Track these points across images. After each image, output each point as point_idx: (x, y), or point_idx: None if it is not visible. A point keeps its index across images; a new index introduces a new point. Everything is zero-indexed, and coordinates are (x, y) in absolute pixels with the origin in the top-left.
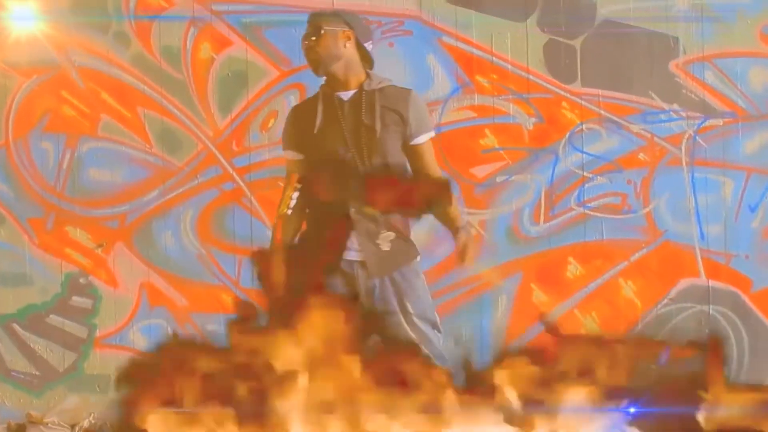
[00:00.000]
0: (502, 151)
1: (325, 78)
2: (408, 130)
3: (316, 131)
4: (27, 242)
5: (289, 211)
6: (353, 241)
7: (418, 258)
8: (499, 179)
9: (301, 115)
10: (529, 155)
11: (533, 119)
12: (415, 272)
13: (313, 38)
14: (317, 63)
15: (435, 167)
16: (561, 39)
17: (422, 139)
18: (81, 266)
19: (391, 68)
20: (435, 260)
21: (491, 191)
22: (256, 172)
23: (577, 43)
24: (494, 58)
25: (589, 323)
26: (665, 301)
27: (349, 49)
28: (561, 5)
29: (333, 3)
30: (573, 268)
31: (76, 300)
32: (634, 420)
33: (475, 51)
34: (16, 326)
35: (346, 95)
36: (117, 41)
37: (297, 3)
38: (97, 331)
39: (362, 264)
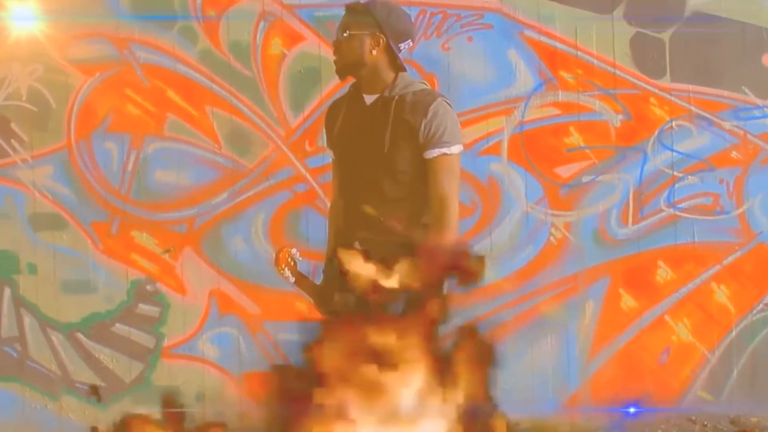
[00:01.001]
0: (587, 150)
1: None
2: (421, 144)
3: (335, 133)
4: (91, 248)
5: (292, 280)
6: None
7: None
8: (585, 179)
9: (332, 111)
10: (616, 154)
11: (620, 116)
12: None
13: (340, 38)
14: (339, 67)
15: (442, 190)
16: (649, 32)
17: (430, 153)
18: (147, 273)
19: (470, 64)
20: (516, 265)
21: (577, 192)
22: (330, 173)
23: (665, 36)
24: (579, 53)
25: (680, 330)
26: (760, 306)
27: (377, 55)
28: None
29: None
30: (663, 273)
31: (143, 308)
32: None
33: (558, 45)
34: (80, 336)
35: (368, 99)
36: (183, 36)
37: None
38: (165, 340)
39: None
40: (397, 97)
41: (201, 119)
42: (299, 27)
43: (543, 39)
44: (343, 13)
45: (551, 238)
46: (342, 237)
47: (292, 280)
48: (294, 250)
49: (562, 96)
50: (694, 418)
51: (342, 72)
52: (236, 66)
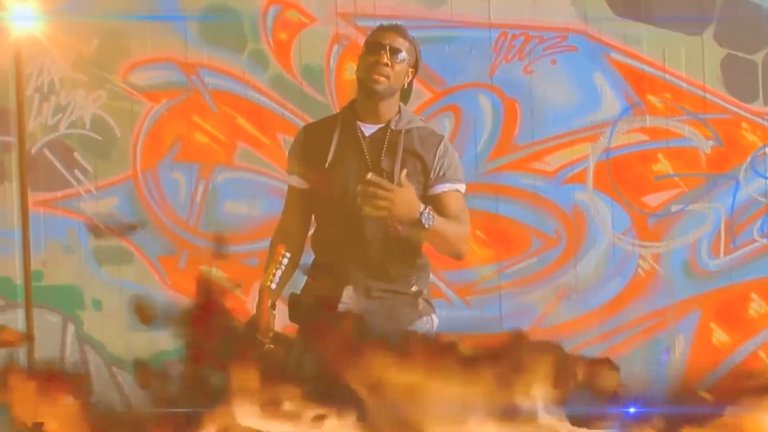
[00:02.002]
0: (677, 178)
1: (350, 100)
2: (429, 181)
3: (327, 164)
4: (158, 282)
5: (274, 285)
6: (348, 295)
7: (432, 317)
8: (674, 208)
9: (314, 136)
10: (706, 182)
11: (711, 142)
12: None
13: (391, 59)
14: (381, 90)
15: (458, 217)
16: (740, 54)
17: (440, 189)
18: None
19: (554, 88)
20: (603, 299)
21: (666, 221)
22: None
23: (758, 57)
24: (667, 76)
25: None
26: None
27: (403, 90)
28: (740, 16)
29: (490, 18)
30: (756, 306)
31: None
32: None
33: (646, 68)
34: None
35: (368, 129)
36: (254, 61)
37: (451, 18)
38: None
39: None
40: (404, 130)
41: (272, 147)
42: None
43: (630, 61)
44: (381, 30)
45: (639, 270)
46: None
47: (275, 287)
48: (287, 253)
49: (649, 121)
50: None
51: (378, 95)
52: (309, 91)
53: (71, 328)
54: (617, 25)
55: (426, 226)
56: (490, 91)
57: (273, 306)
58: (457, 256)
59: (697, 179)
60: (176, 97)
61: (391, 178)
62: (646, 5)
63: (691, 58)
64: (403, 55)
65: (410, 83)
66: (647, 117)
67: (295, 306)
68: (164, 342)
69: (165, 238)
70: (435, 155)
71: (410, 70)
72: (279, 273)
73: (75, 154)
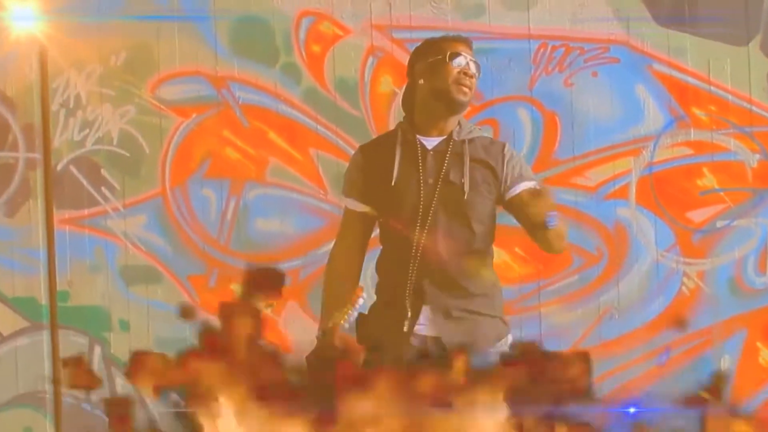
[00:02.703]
0: (722, 193)
1: (404, 115)
2: (502, 187)
3: (394, 182)
4: (188, 302)
5: (347, 326)
6: (425, 317)
7: (509, 337)
8: (719, 224)
9: (373, 157)
10: (753, 196)
11: (757, 156)
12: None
13: (475, 74)
14: (465, 104)
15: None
16: None
17: (522, 186)
18: None
19: (595, 101)
20: (646, 317)
21: (711, 238)
22: None
23: None
24: (712, 88)
25: None
26: None
27: None
28: None
29: (529, 29)
30: None
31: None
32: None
33: (690, 80)
34: (175, 397)
35: (429, 142)
36: (286, 74)
37: (489, 29)
38: None
39: (435, 340)
40: (467, 140)
41: (305, 163)
42: None
43: (673, 73)
44: (462, 44)
45: (683, 288)
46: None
47: (347, 326)
48: (364, 295)
49: (694, 134)
50: None
51: (461, 108)
52: (343, 105)
53: (98, 351)
54: (660, 35)
55: (550, 227)
56: (529, 104)
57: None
58: (560, 251)
59: (743, 194)
60: (206, 112)
61: (460, 190)
62: (690, 15)
63: (737, 70)
64: (478, 73)
65: None
66: (692, 130)
67: (364, 327)
68: None
69: (195, 256)
70: (503, 160)
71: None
72: (355, 314)
73: (102, 170)
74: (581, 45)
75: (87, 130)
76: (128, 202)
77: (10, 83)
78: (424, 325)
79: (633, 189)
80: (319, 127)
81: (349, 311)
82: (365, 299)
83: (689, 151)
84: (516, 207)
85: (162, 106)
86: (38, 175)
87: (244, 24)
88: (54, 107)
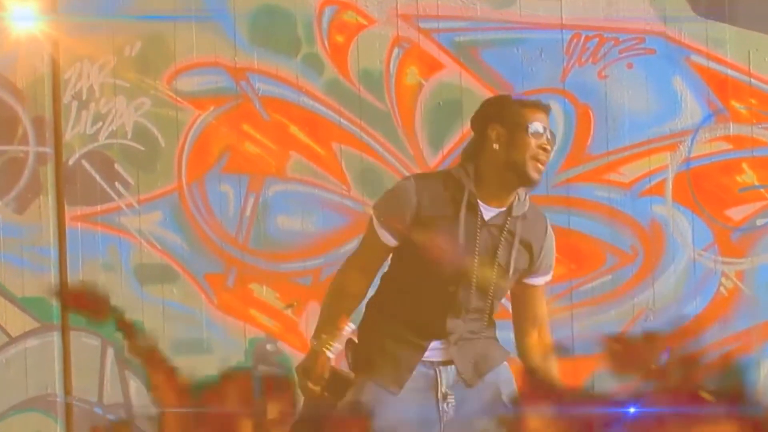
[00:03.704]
0: (762, 189)
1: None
2: (530, 270)
3: (459, 244)
4: (204, 303)
5: (331, 355)
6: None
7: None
8: (759, 222)
9: (428, 202)
10: None
11: None
12: (506, 368)
13: (550, 140)
14: (537, 183)
15: (543, 313)
16: None
17: (541, 280)
18: (268, 331)
19: (630, 94)
20: (682, 319)
21: (750, 236)
22: None
23: None
24: (753, 80)
25: None
26: None
27: None
28: None
29: (562, 19)
30: None
31: (263, 371)
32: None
33: (729, 72)
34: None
35: (488, 212)
36: (308, 65)
37: (520, 18)
38: None
39: (444, 363)
40: (520, 216)
41: (328, 158)
42: (438, 54)
43: (712, 65)
44: (537, 105)
45: (721, 288)
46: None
47: (332, 356)
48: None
49: (733, 129)
50: None
51: (534, 186)
52: (367, 98)
53: (111, 353)
54: (699, 26)
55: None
56: (561, 96)
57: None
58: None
59: None
60: (224, 104)
61: (504, 270)
62: (730, 4)
63: None
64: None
65: None
66: (731, 124)
67: (357, 353)
68: (209, 366)
69: (212, 255)
70: (542, 246)
71: None
72: (338, 347)
73: (115, 165)
74: (616, 35)
75: (100, 123)
76: (143, 198)
77: (21, 74)
78: (432, 351)
79: (669, 185)
80: (342, 120)
81: (332, 343)
82: (353, 330)
83: (728, 146)
84: (525, 295)
85: (178, 99)
86: (49, 170)
87: (264, 13)
88: (66, 99)
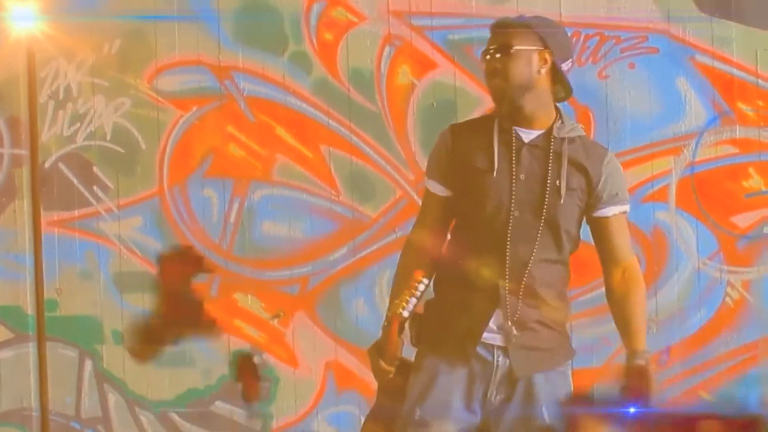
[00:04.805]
0: None
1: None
2: (593, 199)
3: (495, 173)
4: None
5: (406, 314)
6: (497, 323)
7: (571, 360)
8: (766, 229)
9: (463, 140)
10: None
11: None
12: (564, 376)
13: (499, 57)
14: (502, 94)
15: (627, 248)
16: None
17: (610, 211)
18: (253, 342)
19: (632, 95)
20: (686, 331)
21: (757, 244)
22: None
23: None
24: (760, 81)
25: None
26: None
27: (544, 78)
28: None
29: (561, 16)
30: None
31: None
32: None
33: (736, 72)
34: (173, 416)
35: (527, 134)
36: (295, 64)
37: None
38: (274, 421)
39: (504, 351)
40: (568, 138)
41: (316, 161)
42: (431, 52)
43: (718, 65)
44: (489, 33)
45: (727, 299)
46: (467, 303)
47: (407, 314)
48: (426, 280)
49: (740, 132)
50: None
51: (504, 100)
52: (357, 98)
53: (89, 365)
54: (704, 24)
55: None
56: None
57: (401, 330)
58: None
59: None
60: (208, 105)
61: (554, 195)
62: (736, 2)
63: None
64: (514, 49)
65: (553, 70)
66: (737, 127)
67: (420, 327)
68: (192, 380)
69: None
70: (601, 171)
71: (537, 57)
72: (413, 301)
73: (94, 168)
74: (617, 33)
75: (78, 124)
76: (123, 202)
77: None
78: (494, 334)
79: (673, 191)
80: (331, 121)
81: (408, 299)
82: (427, 285)
83: (734, 150)
84: (599, 229)
85: (160, 99)
86: (24, 173)
87: (250, 9)
88: (42, 99)
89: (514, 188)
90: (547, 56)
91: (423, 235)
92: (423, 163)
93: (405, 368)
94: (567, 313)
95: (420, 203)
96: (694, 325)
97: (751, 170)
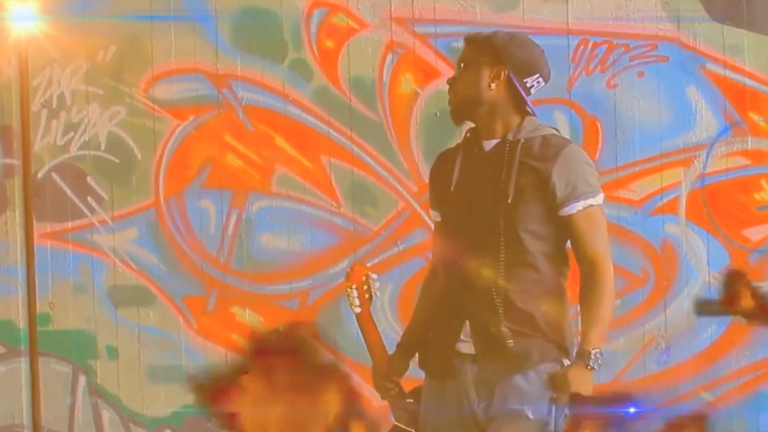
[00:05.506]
0: None
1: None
2: (550, 197)
3: (452, 188)
4: (183, 327)
5: (357, 309)
6: (464, 331)
7: (564, 362)
8: None
9: (442, 164)
10: None
11: None
12: (544, 376)
13: (454, 74)
14: (453, 107)
15: (595, 249)
16: None
17: (573, 208)
18: None
19: (642, 104)
20: (697, 347)
21: None
22: None
23: None
24: None
25: None
26: None
27: (497, 91)
28: None
29: (568, 24)
30: None
31: None
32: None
33: (747, 81)
34: None
35: (489, 144)
36: (295, 72)
37: (523, 23)
38: None
39: (473, 358)
40: (523, 140)
41: (316, 172)
42: (434, 60)
43: (729, 74)
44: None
45: None
46: (443, 317)
47: (358, 310)
48: (374, 275)
49: (751, 143)
50: None
51: (457, 113)
52: (359, 107)
53: (82, 380)
54: (715, 32)
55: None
56: (567, 107)
57: (368, 332)
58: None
59: None
60: (205, 114)
61: (504, 197)
62: (748, 9)
63: None
64: (462, 65)
65: (510, 84)
66: (749, 138)
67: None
68: (188, 396)
69: (191, 276)
70: (552, 166)
71: (487, 72)
72: (354, 293)
73: (88, 179)
74: (626, 42)
75: (71, 134)
76: (117, 214)
77: None
78: (465, 342)
79: (683, 203)
80: (331, 131)
81: (351, 288)
82: (374, 279)
83: (746, 161)
84: (566, 229)
85: (156, 107)
86: (16, 183)
87: (248, 15)
88: (35, 107)
89: (472, 198)
90: (501, 72)
91: (432, 264)
92: (426, 174)
93: (417, 394)
94: (550, 312)
95: (423, 215)
96: (704, 341)
97: (763, 182)
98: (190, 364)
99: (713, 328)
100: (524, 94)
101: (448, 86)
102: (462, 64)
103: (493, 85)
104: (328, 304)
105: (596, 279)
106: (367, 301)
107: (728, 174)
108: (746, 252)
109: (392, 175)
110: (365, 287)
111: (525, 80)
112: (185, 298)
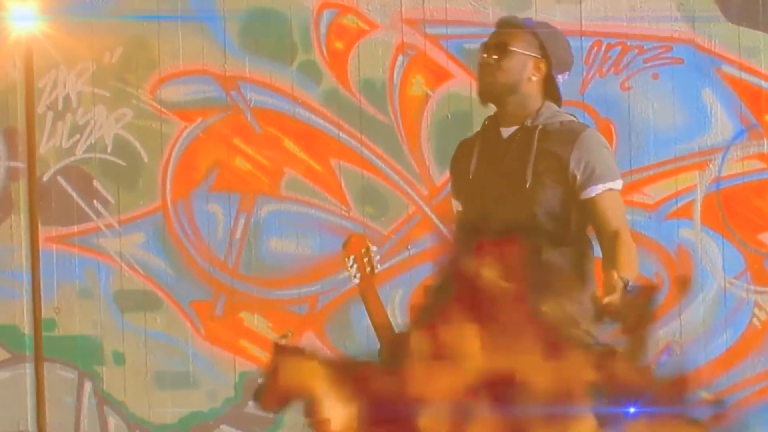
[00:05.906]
0: None
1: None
2: (571, 180)
3: (471, 176)
4: (190, 333)
5: (356, 279)
6: None
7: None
8: None
9: (462, 152)
10: None
11: None
12: None
13: (495, 56)
14: (488, 91)
15: (617, 225)
16: None
17: (593, 191)
18: (260, 363)
19: (656, 107)
20: (712, 354)
21: None
22: None
23: None
24: None
25: None
26: None
27: (534, 84)
28: None
29: (581, 25)
30: None
31: (254, 406)
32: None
33: (764, 83)
34: None
35: (507, 131)
36: (304, 74)
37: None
38: None
39: None
40: (540, 126)
41: (325, 175)
42: (446, 62)
43: (745, 76)
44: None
45: (754, 320)
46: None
47: (356, 280)
48: (374, 248)
49: None
50: None
51: (486, 95)
52: (369, 110)
53: (88, 386)
54: (731, 33)
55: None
56: (580, 109)
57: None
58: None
59: None
60: (213, 116)
61: (522, 182)
62: (764, 10)
63: None
64: (512, 48)
65: (547, 78)
66: (765, 141)
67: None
68: (195, 401)
69: (199, 280)
70: (571, 150)
71: (531, 64)
72: (352, 260)
73: (94, 182)
74: (640, 43)
75: (77, 136)
76: (124, 217)
77: None
78: None
79: (698, 207)
80: (341, 134)
81: (349, 258)
82: (375, 252)
83: (762, 165)
84: (588, 212)
85: (163, 109)
86: (22, 186)
87: (257, 16)
88: (40, 109)
89: (491, 186)
90: (543, 66)
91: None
92: (437, 178)
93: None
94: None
95: (434, 218)
96: (719, 347)
97: None
98: (198, 370)
99: (729, 333)
100: (559, 92)
101: (480, 70)
102: (510, 47)
103: (533, 78)
104: (337, 310)
105: (620, 243)
106: (368, 274)
107: (744, 177)
108: (762, 257)
109: (403, 179)
110: (365, 259)
111: (558, 77)
112: (193, 303)
